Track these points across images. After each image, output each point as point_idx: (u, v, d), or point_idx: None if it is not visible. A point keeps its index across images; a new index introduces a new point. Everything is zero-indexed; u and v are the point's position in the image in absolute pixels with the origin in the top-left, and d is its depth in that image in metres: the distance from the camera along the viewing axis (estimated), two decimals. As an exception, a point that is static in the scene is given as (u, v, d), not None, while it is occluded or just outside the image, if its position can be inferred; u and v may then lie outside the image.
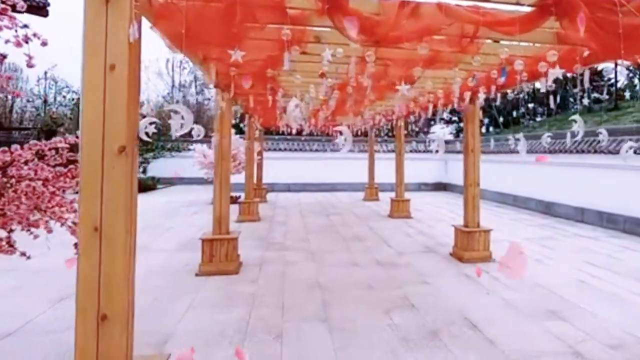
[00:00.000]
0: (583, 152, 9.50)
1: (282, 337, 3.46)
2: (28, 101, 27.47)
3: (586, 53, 3.05)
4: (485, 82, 4.52)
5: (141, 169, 17.25)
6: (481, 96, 5.08)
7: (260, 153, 13.94)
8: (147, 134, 2.25)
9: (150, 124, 2.04)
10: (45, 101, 27.71)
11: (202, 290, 4.62)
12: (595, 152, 9.07)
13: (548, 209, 10.72)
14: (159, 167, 17.89)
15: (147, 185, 16.51)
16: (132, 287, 1.98)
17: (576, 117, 2.79)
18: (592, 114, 18.97)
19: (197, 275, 5.17)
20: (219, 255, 5.36)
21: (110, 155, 1.84)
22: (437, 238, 7.63)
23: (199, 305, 4.20)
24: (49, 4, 7.91)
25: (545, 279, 5.08)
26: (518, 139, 3.36)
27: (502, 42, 3.45)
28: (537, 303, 4.29)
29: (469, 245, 5.94)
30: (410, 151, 17.71)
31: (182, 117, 2.06)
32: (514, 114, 14.69)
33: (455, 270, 5.54)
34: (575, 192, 9.72)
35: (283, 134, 13.60)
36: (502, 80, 3.61)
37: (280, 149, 18.18)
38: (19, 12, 2.12)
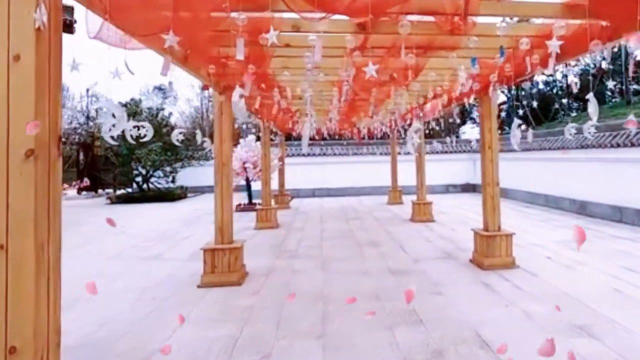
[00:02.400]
0: (619, 145, 8.75)
1: (270, 357, 3.16)
2: (80, 122, 29.01)
3: (604, 24, 2.60)
4: (493, 70, 4.08)
5: (170, 179, 17.45)
6: (497, 87, 4.65)
7: (281, 159, 13.77)
8: (112, 137, 2.00)
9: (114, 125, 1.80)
10: (87, 117, 28.94)
11: (200, 303, 4.40)
12: (632, 145, 8.33)
13: (582, 208, 9.97)
14: (187, 176, 18.16)
15: (176, 195, 16.63)
16: (56, 313, 1.72)
17: (590, 97, 2.37)
18: (632, 107, 17.79)
19: (199, 286, 4.96)
20: (221, 266, 5.13)
21: (15, 161, 1.57)
22: (459, 243, 7.14)
23: (194, 319, 3.98)
24: (75, 21, 8.02)
25: (574, 288, 4.56)
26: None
27: (504, 21, 3.04)
28: (563, 316, 3.79)
29: (490, 250, 5.44)
30: (436, 152, 17.11)
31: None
32: (535, 105, 13.94)
33: (473, 278, 5.08)
34: (613, 189, 8.94)
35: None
36: (501, 60, 3.20)
37: (302, 155, 17.94)
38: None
